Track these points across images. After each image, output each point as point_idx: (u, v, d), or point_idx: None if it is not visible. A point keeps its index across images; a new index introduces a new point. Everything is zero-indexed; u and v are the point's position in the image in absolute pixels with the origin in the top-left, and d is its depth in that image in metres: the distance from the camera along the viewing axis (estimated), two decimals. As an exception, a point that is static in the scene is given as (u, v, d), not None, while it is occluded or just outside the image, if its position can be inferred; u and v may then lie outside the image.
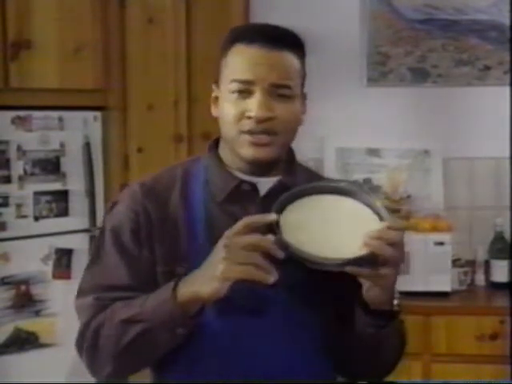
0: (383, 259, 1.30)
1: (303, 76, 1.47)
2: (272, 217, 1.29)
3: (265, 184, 1.46)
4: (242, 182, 1.46)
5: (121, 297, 1.40)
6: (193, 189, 1.47)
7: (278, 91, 1.40)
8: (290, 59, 1.42)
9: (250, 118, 1.39)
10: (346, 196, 1.44)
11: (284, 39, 1.42)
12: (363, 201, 1.43)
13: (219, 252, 1.28)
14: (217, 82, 1.47)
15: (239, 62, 1.41)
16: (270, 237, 1.29)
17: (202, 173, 1.49)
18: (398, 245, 1.31)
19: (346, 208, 1.43)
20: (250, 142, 1.40)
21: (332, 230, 1.38)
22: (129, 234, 1.44)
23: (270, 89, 1.39)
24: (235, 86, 1.40)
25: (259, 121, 1.38)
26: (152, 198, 1.45)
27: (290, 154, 1.54)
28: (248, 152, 1.41)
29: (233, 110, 1.41)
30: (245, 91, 1.40)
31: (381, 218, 1.38)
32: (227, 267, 1.26)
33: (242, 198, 1.46)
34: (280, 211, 1.37)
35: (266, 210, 1.40)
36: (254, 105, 1.38)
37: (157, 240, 1.43)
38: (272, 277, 1.26)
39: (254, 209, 1.44)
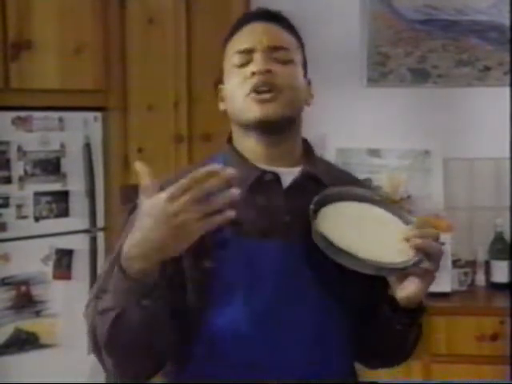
0: (430, 255, 1.36)
1: (302, 53, 1.54)
2: (229, 171, 1.20)
3: (287, 174, 1.47)
4: (265, 172, 1.46)
5: None
6: None
7: (276, 55, 1.46)
8: (285, 32, 1.51)
9: (252, 74, 1.44)
10: (369, 203, 1.49)
11: (277, 18, 1.52)
12: (384, 206, 1.49)
13: (163, 218, 1.21)
14: (222, 81, 1.53)
15: (238, 39, 1.50)
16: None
17: (222, 166, 1.50)
18: (439, 239, 1.38)
19: (373, 214, 1.48)
20: (256, 101, 1.43)
21: (365, 234, 1.41)
22: None
23: (268, 52, 1.46)
24: (237, 57, 1.48)
25: (260, 72, 1.43)
26: None
27: (307, 144, 1.56)
28: (255, 112, 1.43)
29: (236, 79, 1.47)
30: (245, 62, 1.46)
31: (405, 221, 1.44)
32: (184, 234, 1.21)
33: (264, 188, 1.46)
34: (314, 216, 1.40)
35: (290, 200, 1.45)
36: (254, 64, 1.45)
37: None
38: (229, 212, 1.19)
39: (279, 199, 1.46)
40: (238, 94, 1.46)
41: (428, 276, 1.38)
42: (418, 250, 1.36)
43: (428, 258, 1.36)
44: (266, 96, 1.43)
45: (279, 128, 1.46)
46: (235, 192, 1.20)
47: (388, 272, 1.37)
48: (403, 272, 1.37)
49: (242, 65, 1.46)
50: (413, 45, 3.46)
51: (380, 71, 3.48)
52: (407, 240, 1.37)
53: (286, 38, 1.50)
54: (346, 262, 1.35)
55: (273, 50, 1.46)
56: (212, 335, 1.40)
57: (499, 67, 3.41)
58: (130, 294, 1.28)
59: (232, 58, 1.48)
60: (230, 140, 1.54)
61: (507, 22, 3.38)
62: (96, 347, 1.39)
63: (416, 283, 1.37)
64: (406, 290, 1.38)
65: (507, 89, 3.32)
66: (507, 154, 3.26)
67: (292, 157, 1.50)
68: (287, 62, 1.47)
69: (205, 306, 1.40)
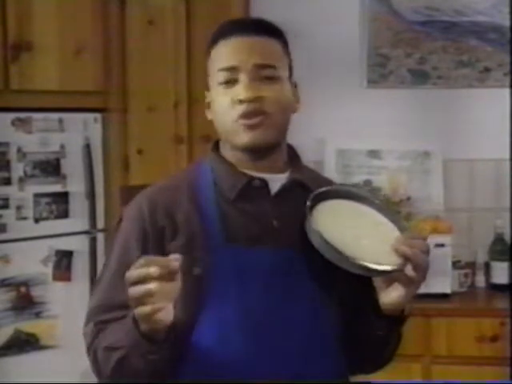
0: (415, 266, 1.36)
1: (288, 62, 1.51)
2: (175, 263, 1.23)
3: (275, 181, 1.48)
4: (253, 178, 1.46)
5: (123, 316, 1.40)
6: (201, 191, 1.48)
7: (263, 73, 1.43)
8: (271, 44, 1.47)
9: (240, 101, 1.41)
10: (364, 203, 1.50)
11: (261, 27, 1.47)
12: (380, 210, 1.49)
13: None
14: (208, 88, 1.51)
15: (222, 53, 1.46)
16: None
17: (209, 174, 1.50)
18: (427, 252, 1.38)
19: (368, 216, 1.48)
20: (245, 126, 1.42)
21: (356, 233, 1.42)
22: (136, 252, 1.44)
23: (255, 71, 1.43)
24: (221, 75, 1.44)
25: (248, 100, 1.41)
26: (160, 209, 1.46)
27: (292, 150, 1.56)
28: (244, 138, 1.43)
29: (223, 100, 1.44)
30: (231, 80, 1.43)
31: (400, 228, 1.45)
32: (140, 312, 1.25)
33: (253, 195, 1.46)
34: (310, 211, 1.41)
35: (278, 206, 1.45)
36: (240, 88, 1.42)
37: (170, 249, 1.42)
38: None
39: (267, 205, 1.46)
40: (226, 118, 1.44)
41: (412, 284, 1.39)
42: (404, 258, 1.36)
43: (413, 268, 1.36)
44: (255, 120, 1.42)
45: (266, 150, 1.47)
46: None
47: (372, 273, 1.38)
48: (386, 276, 1.38)
49: (228, 82, 1.43)
50: (413, 46, 3.46)
51: (380, 72, 3.48)
52: (395, 247, 1.38)
53: (273, 51, 1.46)
54: (333, 259, 1.36)
55: (259, 68, 1.43)
56: (200, 346, 1.39)
57: (499, 68, 3.41)
58: (137, 347, 1.31)
59: (217, 74, 1.46)
60: (215, 147, 1.54)
61: (507, 23, 3.38)
62: (95, 365, 1.43)
63: (399, 290, 1.39)
64: (389, 295, 1.40)
65: (507, 90, 3.32)
66: (507, 156, 3.26)
67: (277, 164, 1.50)
68: (274, 80, 1.45)
69: (193, 316, 1.40)
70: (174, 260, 1.23)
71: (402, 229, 1.45)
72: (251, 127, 1.42)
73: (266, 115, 1.42)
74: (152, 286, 1.21)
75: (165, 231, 1.44)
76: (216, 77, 1.46)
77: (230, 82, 1.44)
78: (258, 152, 1.46)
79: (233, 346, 1.39)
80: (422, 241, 1.40)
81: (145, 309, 1.23)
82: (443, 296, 2.99)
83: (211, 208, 1.45)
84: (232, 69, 1.43)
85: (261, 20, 1.50)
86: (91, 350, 1.43)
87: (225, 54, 1.45)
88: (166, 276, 1.22)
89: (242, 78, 1.42)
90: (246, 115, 1.42)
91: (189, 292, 1.37)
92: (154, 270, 1.20)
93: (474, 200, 3.45)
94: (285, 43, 1.50)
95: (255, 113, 1.42)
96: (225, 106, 1.44)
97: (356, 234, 1.41)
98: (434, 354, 2.93)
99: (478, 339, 2.91)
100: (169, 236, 1.44)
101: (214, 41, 1.48)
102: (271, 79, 1.44)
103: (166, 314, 1.26)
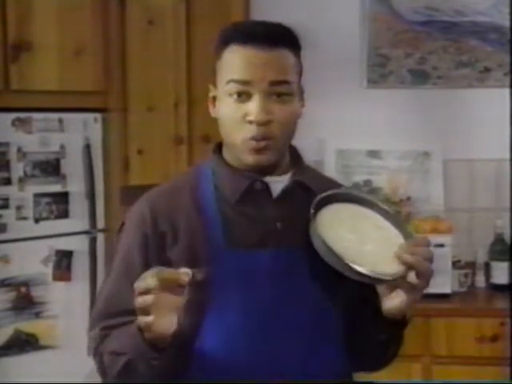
0: (418, 273, 1.36)
1: (300, 70, 1.47)
2: (184, 278, 1.26)
3: (277, 183, 1.47)
4: (255, 181, 1.46)
5: (128, 321, 1.40)
6: (203, 195, 1.47)
7: (277, 89, 1.40)
8: (286, 56, 1.42)
9: (250, 122, 1.40)
10: (370, 208, 1.49)
11: (277, 37, 1.42)
12: (385, 215, 1.49)
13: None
14: (214, 82, 1.48)
15: (235, 63, 1.41)
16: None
17: (210, 177, 1.49)
18: (431, 259, 1.38)
19: (372, 221, 1.48)
20: (252, 149, 1.41)
21: (359, 241, 1.42)
22: (138, 256, 1.45)
23: (269, 89, 1.39)
24: (233, 86, 1.41)
25: (260, 124, 1.39)
26: (161, 215, 1.46)
27: (295, 151, 1.55)
28: (250, 158, 1.42)
29: (233, 114, 1.41)
30: (243, 93, 1.40)
31: (404, 234, 1.45)
32: (142, 322, 1.28)
33: (255, 198, 1.46)
34: (314, 215, 1.40)
35: (281, 208, 1.45)
36: (253, 109, 1.39)
37: (172, 254, 1.43)
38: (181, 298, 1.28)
39: (269, 208, 1.45)
40: (237, 135, 1.42)
41: (414, 291, 1.39)
42: (407, 266, 1.36)
43: (416, 275, 1.36)
44: (262, 144, 1.40)
45: (273, 166, 1.46)
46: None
47: (373, 281, 1.37)
48: (389, 283, 1.38)
49: (239, 95, 1.40)
50: (413, 46, 3.46)
51: (380, 72, 3.48)
52: (398, 254, 1.37)
53: (287, 65, 1.42)
54: (335, 265, 1.36)
55: (274, 85, 1.40)
56: (204, 351, 1.40)
57: (499, 68, 3.41)
58: (141, 353, 1.32)
59: (227, 85, 1.41)
60: (216, 149, 1.53)
61: (507, 23, 3.38)
62: (101, 368, 1.44)
63: (402, 296, 1.39)
64: (392, 301, 1.40)
65: (507, 90, 3.32)
66: (507, 156, 3.26)
67: (280, 166, 1.49)
68: (287, 99, 1.42)
69: (196, 321, 1.40)
70: (185, 274, 1.25)
71: (406, 235, 1.44)
72: (258, 151, 1.41)
73: (272, 139, 1.41)
74: (150, 297, 1.24)
75: (166, 236, 1.44)
76: (226, 85, 1.42)
77: (242, 95, 1.40)
78: (263, 169, 1.45)
79: (236, 350, 1.39)
80: (426, 248, 1.39)
81: (147, 319, 1.25)
82: (443, 296, 2.99)
83: (212, 212, 1.44)
84: (245, 82, 1.39)
85: (277, 28, 1.44)
86: (97, 355, 1.44)
87: (238, 64, 1.40)
88: (174, 289, 1.24)
89: (256, 97, 1.39)
90: (256, 139, 1.40)
91: (191, 297, 1.36)
92: (154, 281, 1.24)
93: (474, 200, 3.45)
94: (298, 49, 1.46)
95: (264, 137, 1.40)
96: (234, 122, 1.41)
97: (359, 240, 1.41)
98: (434, 354, 2.94)
99: (478, 339, 2.91)
100: (170, 241, 1.44)
101: (227, 42, 1.43)
102: (283, 96, 1.41)
103: (168, 324, 1.27)
